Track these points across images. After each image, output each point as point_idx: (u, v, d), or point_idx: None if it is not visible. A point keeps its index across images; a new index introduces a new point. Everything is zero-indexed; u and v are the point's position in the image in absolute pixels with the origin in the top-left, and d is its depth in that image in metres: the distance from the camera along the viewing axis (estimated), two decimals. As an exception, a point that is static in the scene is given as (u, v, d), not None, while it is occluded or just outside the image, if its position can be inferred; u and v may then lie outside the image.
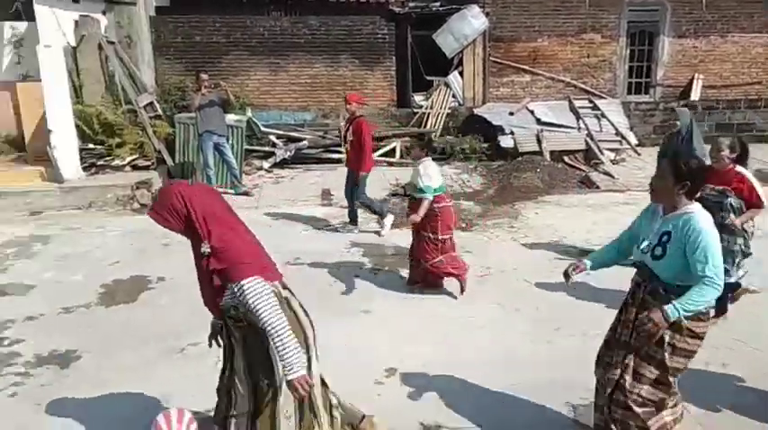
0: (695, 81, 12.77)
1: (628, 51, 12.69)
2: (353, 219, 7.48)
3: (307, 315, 2.93)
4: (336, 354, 4.32)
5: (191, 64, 11.33)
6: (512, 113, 11.72)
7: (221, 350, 2.97)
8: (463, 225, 7.56)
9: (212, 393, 3.02)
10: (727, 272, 4.40)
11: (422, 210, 5.19)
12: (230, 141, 9.13)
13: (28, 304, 5.36)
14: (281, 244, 6.83)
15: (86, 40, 9.52)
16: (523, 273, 5.95)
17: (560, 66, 12.55)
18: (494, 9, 12.10)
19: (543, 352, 4.44)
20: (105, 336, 4.73)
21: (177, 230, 2.71)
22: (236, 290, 2.61)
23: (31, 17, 9.10)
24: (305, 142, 11.02)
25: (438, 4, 12.09)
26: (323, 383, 3.02)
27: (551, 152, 10.89)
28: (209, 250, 2.63)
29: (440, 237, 5.33)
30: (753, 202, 4.53)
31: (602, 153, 10.91)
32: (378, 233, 7.23)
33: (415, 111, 12.12)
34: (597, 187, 9.65)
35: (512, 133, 11.26)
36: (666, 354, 2.90)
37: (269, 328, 2.59)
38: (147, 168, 9.26)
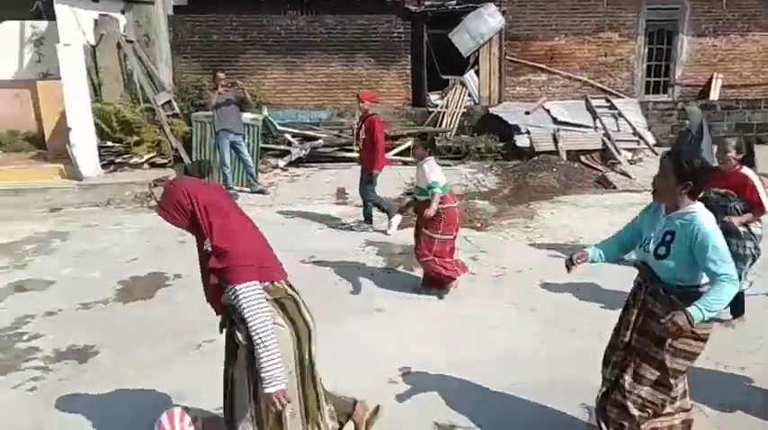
0: (714, 80, 12.62)
1: (646, 50, 12.58)
2: (368, 218, 7.50)
3: (309, 313, 2.92)
4: (349, 353, 4.36)
5: (208, 63, 11.43)
6: (528, 113, 11.67)
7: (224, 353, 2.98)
8: (478, 225, 7.55)
9: (228, 390, 3.05)
10: (739, 276, 4.39)
11: (435, 204, 5.19)
12: (246, 140, 9.19)
13: (47, 299, 5.44)
14: (295, 242, 6.88)
15: (105, 38, 9.63)
16: (538, 274, 5.93)
17: (577, 65, 12.47)
18: (510, 7, 12.05)
19: (558, 352, 4.42)
20: (123, 332, 4.78)
21: (183, 227, 2.73)
22: (230, 293, 2.62)
23: (51, 16, 9.24)
24: (320, 141, 11.06)
25: (454, 2, 12.06)
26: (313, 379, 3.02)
27: (568, 152, 10.83)
28: (210, 248, 2.65)
29: (439, 237, 5.32)
30: (753, 203, 4.48)
31: (619, 153, 10.82)
32: (384, 232, 7.23)
33: (431, 110, 12.10)
34: (614, 187, 9.57)
35: (528, 132, 11.21)
36: (667, 356, 2.87)
37: (255, 337, 2.60)
38: (164, 166, 9.36)
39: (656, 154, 11.11)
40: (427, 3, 12.04)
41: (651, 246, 2.90)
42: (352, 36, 11.90)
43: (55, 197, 8.46)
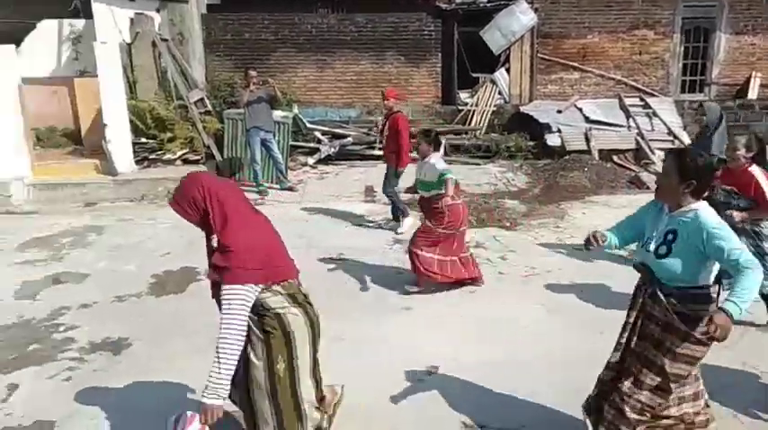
0: (752, 79, 12.30)
1: (682, 48, 12.32)
2: (396, 216, 7.50)
3: (315, 313, 2.93)
4: (377, 351, 4.37)
5: (240, 61, 11.56)
6: (559, 111, 11.53)
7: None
8: (507, 224, 7.50)
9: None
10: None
11: (450, 189, 5.22)
12: (277, 137, 9.26)
13: (83, 292, 5.57)
14: (323, 239, 6.92)
15: (141, 37, 9.80)
16: (569, 275, 5.86)
17: (611, 63, 12.28)
18: (543, 5, 11.92)
19: (586, 354, 4.35)
20: (156, 325, 4.87)
21: (193, 222, 2.75)
22: (222, 290, 2.64)
23: (88, 15, 9.46)
24: (349, 139, 11.10)
25: (485, 0, 11.98)
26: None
27: (600, 151, 10.68)
28: (216, 244, 2.67)
29: (439, 231, 5.33)
30: (757, 201, 4.41)
31: (653, 153, 10.62)
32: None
33: (460, 108, 12.05)
34: (647, 188, 9.39)
35: (559, 131, 11.08)
36: (667, 361, 2.80)
37: (221, 343, 2.61)
38: (196, 162, 9.49)
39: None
40: (458, 0, 11.98)
41: (652, 246, 2.83)
42: (382, 34, 11.90)
43: (91, 192, 8.65)
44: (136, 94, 9.73)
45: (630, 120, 11.43)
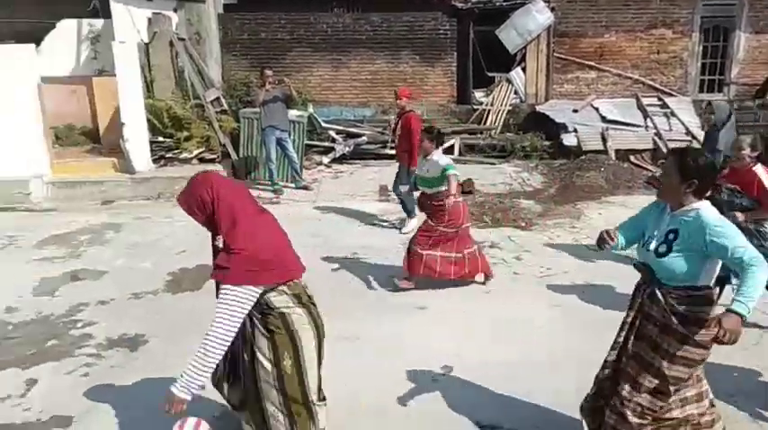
0: (774, 79, 12.14)
1: (701, 47, 12.18)
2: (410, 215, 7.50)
3: (318, 316, 2.92)
4: (391, 351, 4.37)
5: (256, 60, 11.61)
6: (576, 111, 11.46)
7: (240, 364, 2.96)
8: (523, 224, 7.46)
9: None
10: None
11: (453, 186, 5.24)
12: (292, 136, 9.30)
13: (100, 289, 5.63)
14: (338, 238, 6.94)
15: (158, 36, 9.87)
16: (585, 275, 5.82)
17: (628, 62, 12.17)
18: (559, 4, 11.85)
19: (601, 356, 4.31)
20: (172, 323, 4.91)
21: (199, 221, 2.75)
22: (220, 290, 2.65)
23: (107, 14, 9.54)
24: (364, 138, 11.11)
25: (502, -1, 11.95)
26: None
27: (617, 151, 10.59)
28: (221, 245, 2.68)
29: (440, 229, 5.33)
30: (760, 201, 4.40)
31: (670, 153, 10.51)
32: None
33: (475, 107, 12.01)
34: (664, 188, 9.30)
35: (575, 131, 11.01)
36: (665, 363, 2.77)
37: (207, 341, 2.61)
38: (212, 161, 9.54)
39: (710, 154, 10.76)
40: (474, 0, 11.95)
41: (653, 245, 2.80)
42: (397, 33, 11.90)
43: (108, 190, 8.74)
44: (153, 93, 9.81)
45: (648, 120, 11.32)
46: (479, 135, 11.59)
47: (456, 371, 4.16)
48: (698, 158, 2.71)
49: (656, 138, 10.87)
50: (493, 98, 11.97)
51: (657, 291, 2.78)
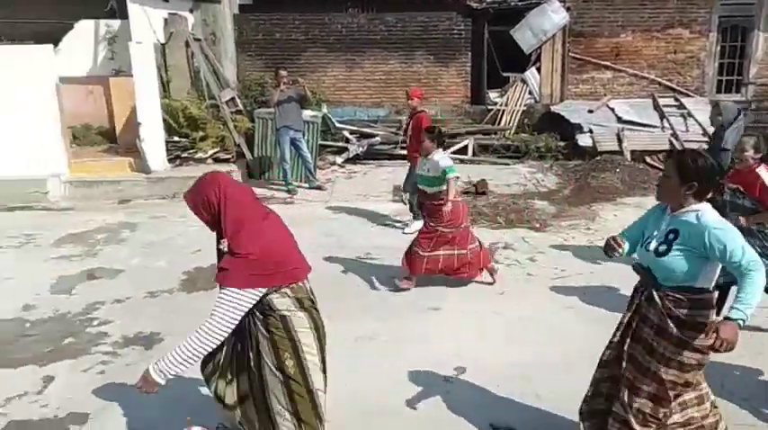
0: (793, 79, 11.97)
1: (718, 47, 12.04)
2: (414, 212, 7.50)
3: (320, 319, 2.91)
4: (404, 352, 4.38)
5: (271, 60, 11.66)
6: (591, 111, 11.37)
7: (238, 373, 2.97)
8: (537, 225, 7.43)
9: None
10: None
11: (452, 192, 5.25)
12: (306, 136, 9.33)
13: (116, 287, 5.69)
14: (350, 238, 6.96)
15: (175, 37, 9.95)
16: (599, 277, 5.78)
17: (644, 62, 12.05)
18: (575, 3, 11.77)
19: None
20: (187, 321, 4.89)
21: (203, 220, 2.77)
22: (220, 290, 2.67)
23: (124, 15, 9.63)
24: (377, 138, 11.12)
25: (517, -1, 11.90)
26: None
27: (632, 152, 10.49)
28: (225, 249, 2.68)
29: (440, 229, 5.33)
30: (762, 203, 4.36)
31: (686, 154, 10.40)
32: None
33: (490, 108, 11.97)
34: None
35: (590, 131, 10.93)
36: (661, 367, 2.74)
37: (197, 333, 2.62)
38: (227, 161, 9.60)
39: (728, 155, 10.64)
40: (489, 0, 11.91)
41: (652, 245, 2.78)
42: (412, 33, 11.89)
43: (125, 189, 8.83)
44: (169, 93, 9.89)
45: (664, 120, 11.21)
46: (493, 135, 11.55)
47: (469, 371, 4.15)
48: (697, 160, 2.68)
49: (672, 138, 10.76)
50: (507, 98, 11.92)
51: (655, 294, 2.76)
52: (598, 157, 10.30)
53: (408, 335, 4.65)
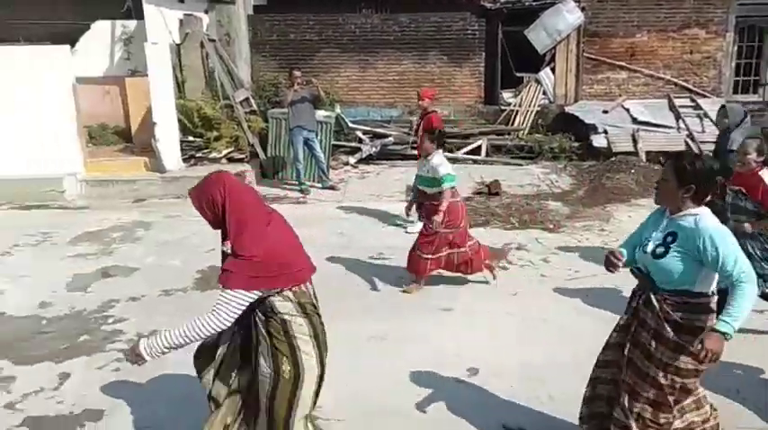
0: (811, 80, 11.82)
1: (735, 47, 11.91)
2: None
3: (321, 326, 2.88)
4: (416, 352, 4.37)
5: (285, 61, 11.72)
6: (606, 112, 11.31)
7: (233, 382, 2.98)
8: (550, 226, 7.39)
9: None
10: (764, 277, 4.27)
11: (445, 202, 5.23)
12: (319, 136, 9.35)
13: (131, 285, 5.74)
14: (362, 238, 6.96)
15: (190, 37, 10.01)
16: (612, 278, 5.68)
17: (660, 62, 11.96)
18: (590, 3, 11.71)
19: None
20: (200, 320, 4.97)
21: (206, 219, 2.77)
22: (221, 289, 2.67)
23: (140, 16, 9.71)
24: (390, 138, 11.13)
25: (531, -1, 11.86)
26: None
27: (647, 153, 10.41)
28: (229, 251, 2.68)
29: (441, 230, 5.32)
30: (762, 204, 4.33)
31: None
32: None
33: (503, 108, 11.93)
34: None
35: (605, 132, 10.86)
36: (660, 372, 2.72)
37: (192, 324, 2.65)
38: (241, 161, 9.64)
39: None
40: (503, 0, 11.88)
41: (650, 247, 2.75)
42: (425, 34, 11.89)
43: (140, 188, 8.91)
44: (184, 93, 9.95)
45: (680, 121, 11.12)
46: (507, 136, 11.51)
47: (482, 372, 4.14)
48: (695, 163, 2.66)
49: (688, 139, 10.67)
50: (521, 99, 11.88)
51: (653, 297, 2.74)
52: (613, 158, 10.24)
53: (420, 336, 4.65)
